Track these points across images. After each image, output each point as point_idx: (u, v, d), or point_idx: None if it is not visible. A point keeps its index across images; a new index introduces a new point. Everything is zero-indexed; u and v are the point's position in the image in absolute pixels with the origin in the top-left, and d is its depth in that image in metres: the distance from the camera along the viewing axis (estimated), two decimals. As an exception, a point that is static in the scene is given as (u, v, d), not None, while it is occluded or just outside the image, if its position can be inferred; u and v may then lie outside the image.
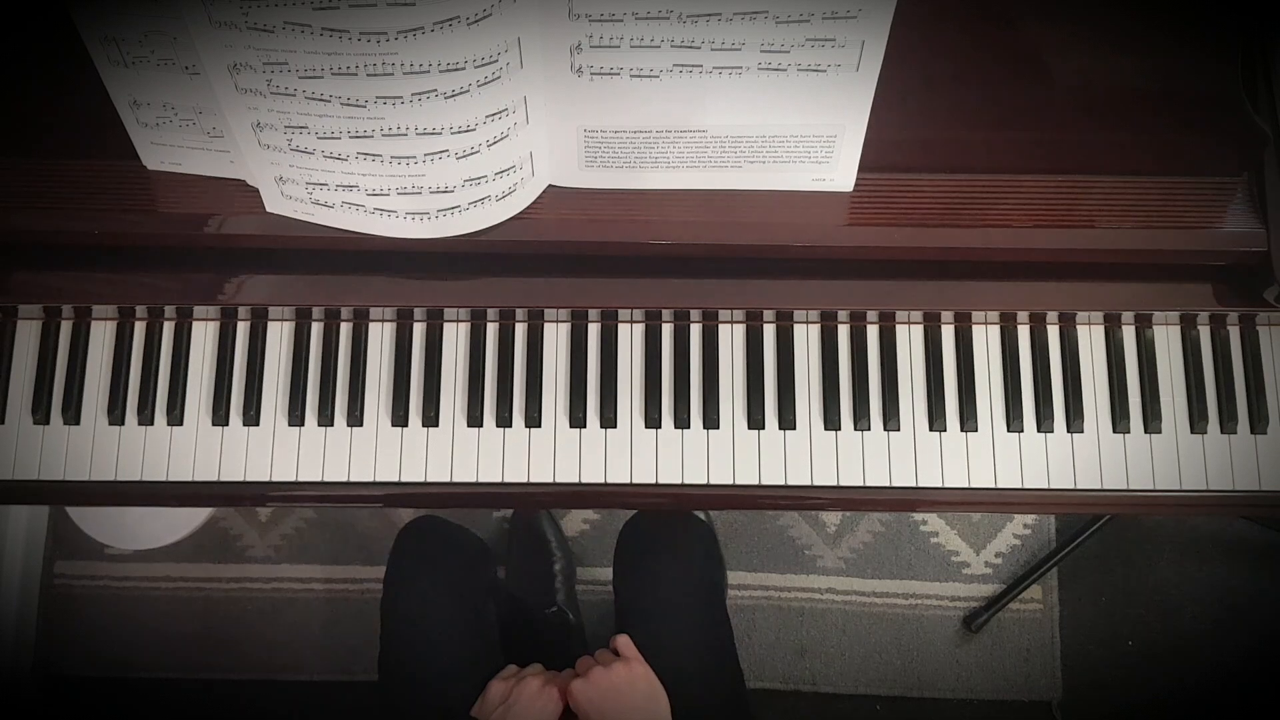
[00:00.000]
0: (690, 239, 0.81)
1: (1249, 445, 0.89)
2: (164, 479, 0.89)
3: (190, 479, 0.89)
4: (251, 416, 0.89)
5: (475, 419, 0.89)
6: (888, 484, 0.89)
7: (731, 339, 0.91)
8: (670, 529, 1.10)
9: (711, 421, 0.89)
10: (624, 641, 0.92)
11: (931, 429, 0.89)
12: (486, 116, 0.70)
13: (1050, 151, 0.81)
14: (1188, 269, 0.85)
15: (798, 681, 1.59)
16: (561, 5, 0.65)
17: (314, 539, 1.63)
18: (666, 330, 0.91)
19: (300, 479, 0.89)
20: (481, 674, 0.99)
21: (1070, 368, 0.90)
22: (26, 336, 0.91)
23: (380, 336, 0.91)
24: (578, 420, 0.89)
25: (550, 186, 0.80)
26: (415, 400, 0.90)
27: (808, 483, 0.89)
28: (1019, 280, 0.86)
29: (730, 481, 0.89)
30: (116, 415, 0.89)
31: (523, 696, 0.88)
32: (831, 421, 0.89)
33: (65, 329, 0.91)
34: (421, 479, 0.89)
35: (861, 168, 0.78)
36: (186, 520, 1.54)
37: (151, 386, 0.90)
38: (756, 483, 0.89)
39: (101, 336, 0.91)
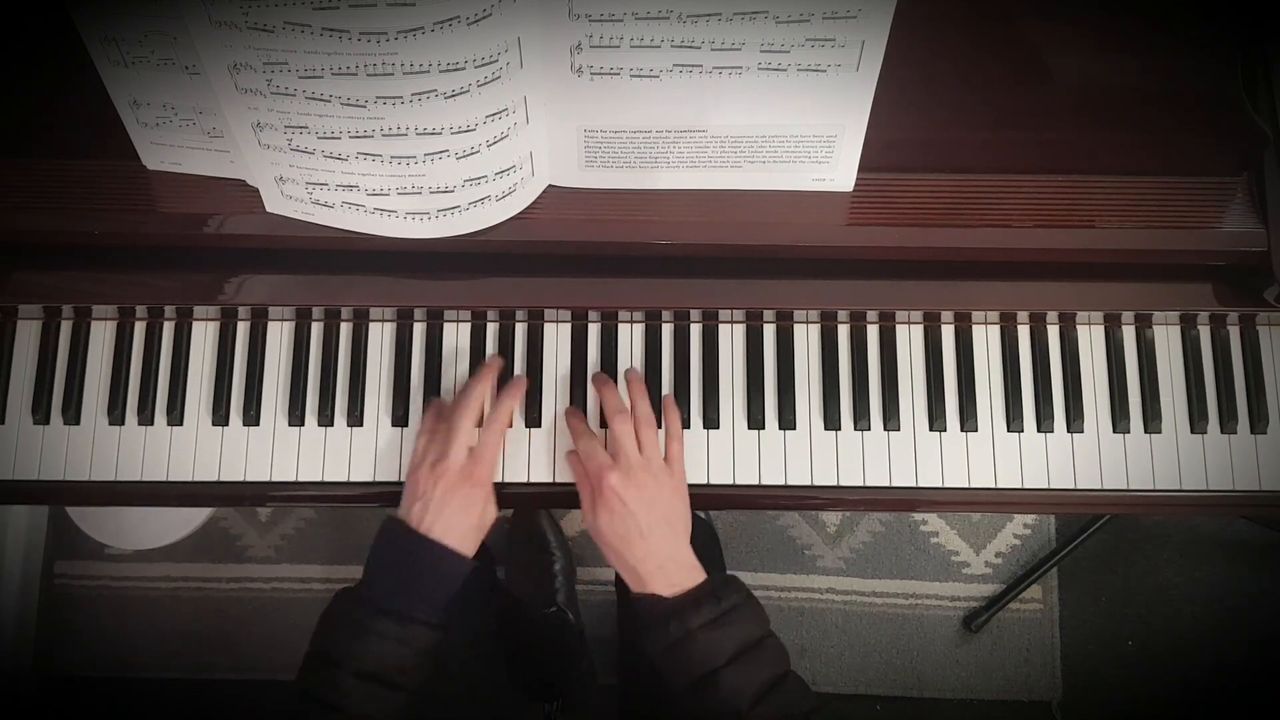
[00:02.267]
0: (690, 239, 0.81)
1: (1249, 445, 0.89)
2: (164, 479, 0.89)
3: (190, 479, 0.89)
4: (251, 416, 0.89)
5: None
6: (888, 484, 0.89)
7: (731, 339, 0.91)
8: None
9: (711, 421, 0.89)
10: (678, 449, 0.84)
11: (931, 429, 0.89)
12: (486, 116, 0.70)
13: (1050, 151, 0.81)
14: (1188, 269, 0.85)
15: (798, 681, 1.59)
16: (561, 5, 0.65)
17: (314, 539, 1.63)
18: (666, 330, 0.91)
19: (300, 479, 0.89)
20: (479, 674, 0.99)
21: (1070, 368, 0.90)
22: (26, 336, 0.91)
23: (380, 336, 0.91)
24: (578, 420, 0.89)
25: (550, 186, 0.81)
26: (415, 400, 0.89)
27: (808, 483, 0.89)
28: (1019, 280, 0.85)
29: (730, 481, 0.89)
30: (116, 415, 0.89)
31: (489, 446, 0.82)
32: (831, 421, 0.89)
33: (65, 329, 0.91)
34: (421, 479, 0.88)
35: (861, 168, 0.78)
36: (186, 520, 1.54)
37: (151, 386, 0.90)
38: (756, 483, 0.89)
39: (101, 336, 0.91)
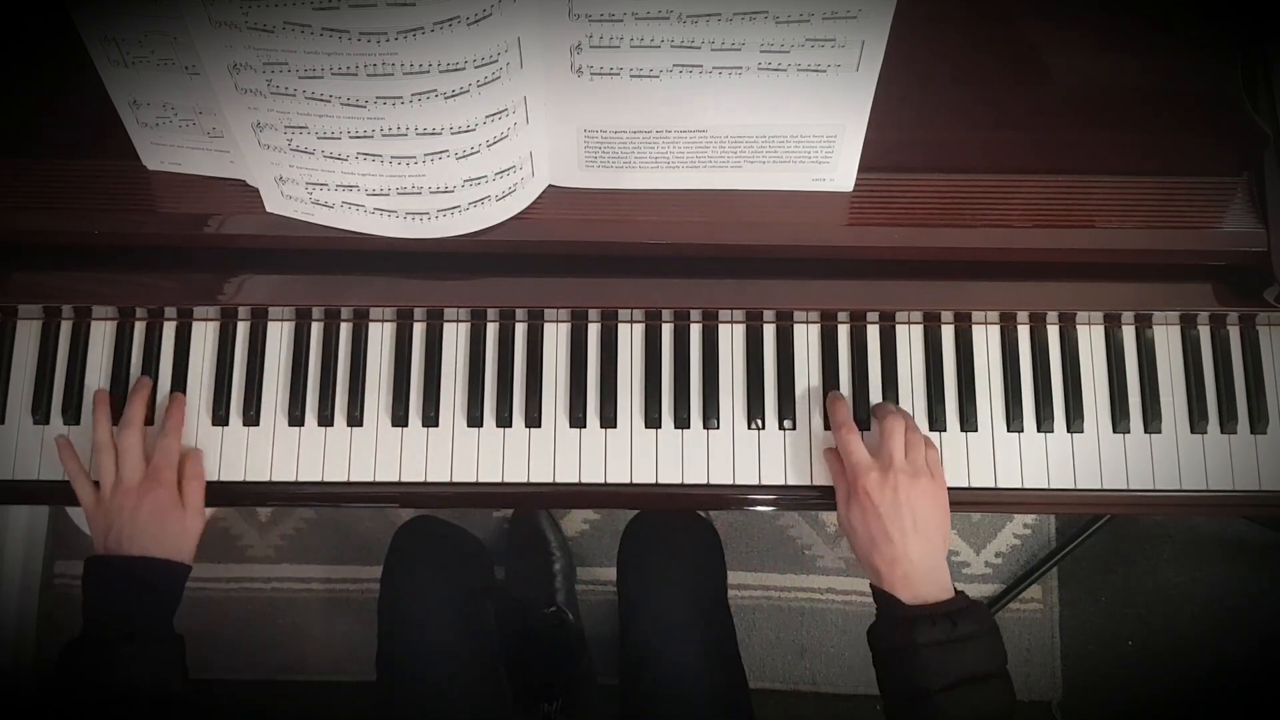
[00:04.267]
0: (690, 239, 0.81)
1: (1249, 445, 0.89)
2: (164, 479, 0.89)
3: (190, 479, 0.89)
4: (251, 416, 0.89)
5: (475, 419, 0.89)
6: (888, 484, 0.88)
7: (731, 339, 0.91)
8: (673, 528, 1.10)
9: (711, 421, 0.89)
10: (935, 457, 0.82)
11: (931, 429, 0.89)
12: (486, 116, 0.70)
13: (1050, 151, 0.81)
14: (1188, 269, 0.85)
15: (798, 681, 1.59)
16: (561, 5, 0.65)
17: (314, 539, 1.63)
18: (666, 330, 0.91)
19: (300, 479, 0.89)
20: (478, 674, 0.99)
21: (1070, 368, 0.90)
22: (26, 336, 0.91)
23: (380, 336, 0.91)
24: (578, 420, 0.89)
25: (550, 186, 0.80)
26: (415, 400, 0.90)
27: (808, 483, 0.88)
28: (1019, 280, 0.85)
29: (730, 482, 0.89)
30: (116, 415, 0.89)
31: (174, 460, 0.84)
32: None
33: (65, 329, 0.91)
34: (421, 479, 0.89)
35: (861, 168, 0.78)
36: (186, 520, 1.54)
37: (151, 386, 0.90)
38: (756, 483, 0.89)
39: (101, 336, 0.91)
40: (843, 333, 0.91)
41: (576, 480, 0.89)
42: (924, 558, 0.76)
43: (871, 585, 0.78)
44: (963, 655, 0.71)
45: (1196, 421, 0.89)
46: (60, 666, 0.76)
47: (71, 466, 0.84)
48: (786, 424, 0.89)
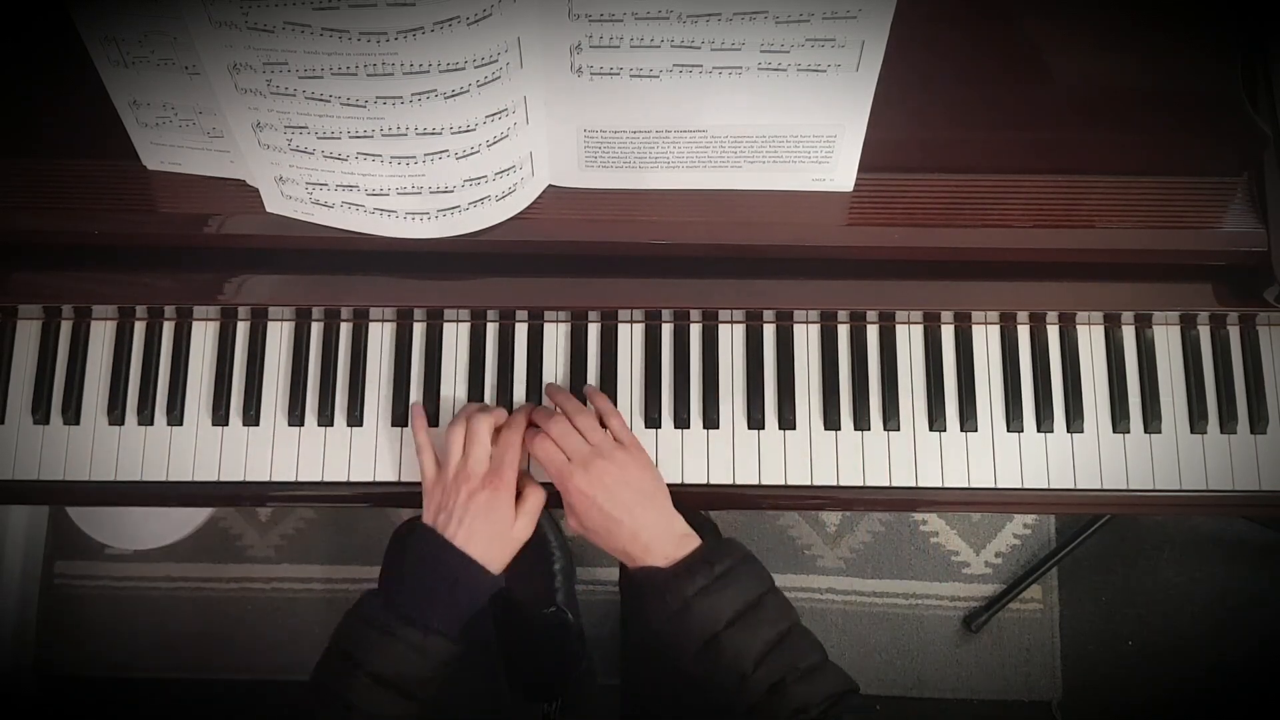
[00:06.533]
0: (690, 239, 0.81)
1: (1249, 445, 0.89)
2: (164, 479, 0.89)
3: (190, 479, 0.89)
4: (251, 416, 0.89)
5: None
6: (888, 484, 0.89)
7: (731, 339, 0.91)
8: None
9: (711, 421, 0.89)
10: (618, 424, 0.84)
11: (931, 429, 0.89)
12: (486, 116, 0.70)
13: (1050, 151, 0.81)
14: (1188, 269, 0.85)
15: (798, 681, 1.59)
16: (561, 5, 0.65)
17: (314, 539, 1.63)
18: (666, 330, 0.91)
19: (300, 479, 0.89)
20: (477, 674, 0.99)
21: (1070, 368, 0.90)
22: (26, 336, 0.91)
23: (380, 336, 0.91)
24: (578, 420, 0.89)
25: (550, 186, 0.81)
26: (416, 400, 0.89)
27: (807, 483, 0.89)
28: (1019, 280, 0.86)
29: (730, 481, 0.89)
30: (116, 415, 0.89)
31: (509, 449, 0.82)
32: (831, 421, 0.89)
33: (65, 329, 0.91)
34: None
35: (861, 168, 0.78)
36: (186, 520, 1.54)
37: (151, 386, 0.90)
38: (756, 483, 0.89)
39: (101, 336, 0.91)
40: (843, 333, 0.91)
41: (576, 480, 0.89)
42: (657, 521, 0.78)
43: (630, 571, 0.79)
44: (731, 589, 0.73)
45: (1196, 422, 0.89)
46: (353, 612, 0.77)
47: (421, 438, 0.85)
48: (787, 424, 0.89)
